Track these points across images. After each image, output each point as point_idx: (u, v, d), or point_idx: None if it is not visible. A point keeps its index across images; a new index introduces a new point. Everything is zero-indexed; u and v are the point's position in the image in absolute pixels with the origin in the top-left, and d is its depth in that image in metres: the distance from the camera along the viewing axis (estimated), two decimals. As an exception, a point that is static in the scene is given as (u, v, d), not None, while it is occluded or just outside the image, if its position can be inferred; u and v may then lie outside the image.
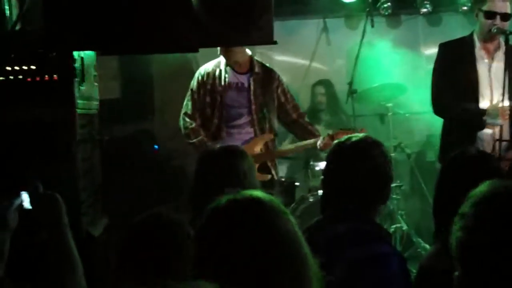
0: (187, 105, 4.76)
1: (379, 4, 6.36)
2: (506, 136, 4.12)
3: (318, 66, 7.05)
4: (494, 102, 4.21)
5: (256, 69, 4.79)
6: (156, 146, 6.47)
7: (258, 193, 1.56)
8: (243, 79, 4.76)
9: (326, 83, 6.67)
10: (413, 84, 6.01)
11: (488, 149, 4.12)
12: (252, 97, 4.72)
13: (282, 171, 6.30)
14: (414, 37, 7.00)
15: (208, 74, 4.71)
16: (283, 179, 5.86)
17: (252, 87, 4.73)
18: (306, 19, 6.99)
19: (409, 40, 6.93)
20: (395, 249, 2.57)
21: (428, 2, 6.45)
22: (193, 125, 4.69)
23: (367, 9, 6.13)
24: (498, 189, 1.50)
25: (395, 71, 6.40)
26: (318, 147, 4.70)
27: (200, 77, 4.73)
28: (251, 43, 4.08)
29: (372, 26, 6.07)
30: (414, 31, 7.04)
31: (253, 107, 4.72)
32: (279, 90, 4.89)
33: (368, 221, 2.54)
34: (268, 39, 3.46)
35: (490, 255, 1.40)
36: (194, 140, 4.66)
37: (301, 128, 4.98)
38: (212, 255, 1.41)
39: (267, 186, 4.62)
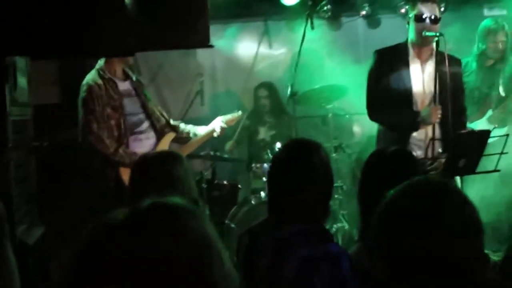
0: (89, 125, 4.34)
1: (319, 7, 6.43)
2: (438, 136, 4.22)
3: (260, 68, 7.08)
4: (426, 105, 4.31)
5: (132, 76, 4.73)
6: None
7: (174, 199, 1.55)
8: (128, 86, 4.66)
9: (268, 86, 6.69)
10: (354, 86, 6.03)
11: (422, 148, 4.23)
12: (144, 102, 4.67)
13: (224, 173, 6.31)
14: (355, 39, 7.09)
15: (99, 85, 4.42)
16: (225, 182, 5.88)
17: (139, 92, 4.67)
18: (247, 22, 7.02)
19: (349, 42, 7.00)
20: (345, 249, 2.64)
21: (367, 5, 6.56)
22: (113, 145, 4.37)
23: (307, 12, 6.19)
24: (413, 182, 1.62)
25: (336, 73, 6.46)
26: (217, 135, 5.00)
27: (93, 90, 4.39)
28: (188, 47, 4.08)
29: (312, 28, 6.13)
30: (354, 33, 7.14)
31: (148, 111, 4.67)
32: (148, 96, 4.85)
33: (316, 222, 2.59)
34: (204, 43, 3.46)
35: (404, 239, 1.51)
36: (121, 152, 4.38)
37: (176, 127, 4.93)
38: (122, 260, 1.40)
39: None
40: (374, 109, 4.46)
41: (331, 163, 2.70)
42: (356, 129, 6.78)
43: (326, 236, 2.61)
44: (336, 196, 5.90)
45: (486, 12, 6.90)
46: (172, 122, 4.94)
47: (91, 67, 6.26)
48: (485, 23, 5.47)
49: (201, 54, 6.71)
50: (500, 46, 5.34)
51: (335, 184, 5.88)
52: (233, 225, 5.43)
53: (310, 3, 6.30)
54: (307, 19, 6.14)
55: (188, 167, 3.09)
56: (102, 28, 3.22)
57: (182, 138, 4.95)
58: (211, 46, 3.38)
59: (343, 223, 5.82)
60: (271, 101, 6.64)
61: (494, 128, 5.01)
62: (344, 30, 7.05)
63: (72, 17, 3.20)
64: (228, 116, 5.17)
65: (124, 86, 4.61)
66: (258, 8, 6.59)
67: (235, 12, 6.62)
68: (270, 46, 7.07)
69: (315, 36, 6.37)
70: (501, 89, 5.27)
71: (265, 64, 7.10)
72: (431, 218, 1.51)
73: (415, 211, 1.53)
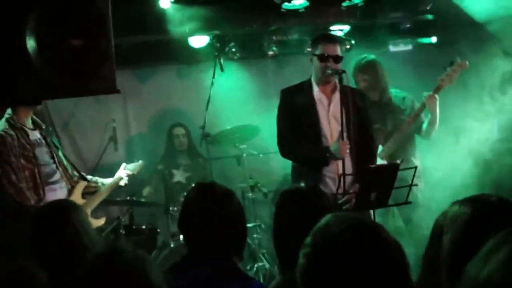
0: (8, 176, 4.16)
1: (227, 48, 6.50)
2: (349, 171, 4.31)
3: (173, 112, 7.07)
4: (335, 140, 4.39)
5: (41, 125, 4.60)
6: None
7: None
8: (37, 135, 4.51)
9: (184, 125, 6.70)
10: (266, 125, 6.11)
11: (333, 183, 4.30)
12: (53, 152, 4.56)
13: (143, 218, 6.22)
14: (265, 79, 7.21)
15: (11, 135, 4.26)
16: (144, 226, 5.80)
17: (48, 142, 4.56)
18: (159, 66, 7.03)
19: (260, 82, 7.12)
20: (265, 285, 2.67)
21: (274, 45, 6.68)
22: (33, 196, 4.24)
23: (215, 54, 6.27)
24: (332, 219, 1.62)
25: (247, 113, 6.54)
26: (124, 183, 4.95)
27: (6, 141, 4.21)
28: (94, 93, 4.00)
29: (222, 70, 6.22)
30: (264, 73, 7.26)
31: (57, 159, 4.56)
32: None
33: (230, 261, 2.61)
34: (111, 89, 3.41)
35: (327, 279, 1.52)
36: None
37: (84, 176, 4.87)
38: None
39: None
40: (284, 146, 4.56)
41: (247, 202, 2.73)
42: (271, 167, 6.84)
43: (243, 273, 2.63)
44: (254, 235, 5.93)
45: (392, 48, 7.14)
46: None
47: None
48: None
49: (113, 99, 6.65)
50: (363, 85, 5.39)
51: (254, 224, 5.95)
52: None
53: (217, 45, 6.38)
54: (215, 61, 6.22)
55: (85, 213, 3.12)
56: (4, 77, 3.14)
57: (91, 187, 4.85)
58: (118, 92, 3.33)
59: (263, 262, 5.84)
60: (189, 140, 6.64)
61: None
62: (254, 71, 7.16)
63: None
64: (131, 166, 5.13)
65: (34, 135, 4.48)
66: (170, 52, 6.62)
67: (146, 57, 6.63)
68: (182, 88, 7.09)
69: (225, 78, 6.45)
70: (388, 124, 5.37)
71: (178, 107, 7.10)
72: (361, 257, 1.52)
73: (346, 250, 1.54)
